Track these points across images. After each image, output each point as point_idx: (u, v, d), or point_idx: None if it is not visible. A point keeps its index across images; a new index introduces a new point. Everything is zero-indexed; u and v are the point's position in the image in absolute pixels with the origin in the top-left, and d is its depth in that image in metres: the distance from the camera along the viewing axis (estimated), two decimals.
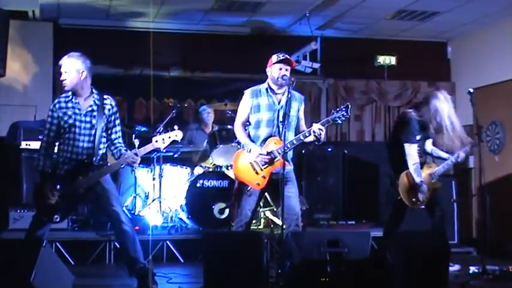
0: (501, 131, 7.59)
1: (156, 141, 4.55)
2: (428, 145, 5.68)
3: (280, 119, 4.77)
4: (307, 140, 4.77)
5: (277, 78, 4.78)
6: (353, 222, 7.59)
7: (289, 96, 4.72)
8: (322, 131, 4.68)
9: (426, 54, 8.87)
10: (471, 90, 5.58)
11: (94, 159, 4.49)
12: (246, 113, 4.90)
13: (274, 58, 4.86)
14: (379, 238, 5.89)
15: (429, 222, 5.57)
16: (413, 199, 5.38)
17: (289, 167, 4.82)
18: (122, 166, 4.74)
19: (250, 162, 4.76)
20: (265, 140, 4.81)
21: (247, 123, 4.94)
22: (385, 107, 8.84)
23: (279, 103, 4.83)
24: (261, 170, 4.74)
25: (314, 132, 4.66)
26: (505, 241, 6.71)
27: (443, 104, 5.43)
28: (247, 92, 4.93)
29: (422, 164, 5.48)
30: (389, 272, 4.42)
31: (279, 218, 6.26)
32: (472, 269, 5.47)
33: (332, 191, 7.73)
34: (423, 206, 5.48)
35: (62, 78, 4.53)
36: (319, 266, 4.27)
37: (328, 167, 7.75)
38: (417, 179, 5.35)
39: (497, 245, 6.35)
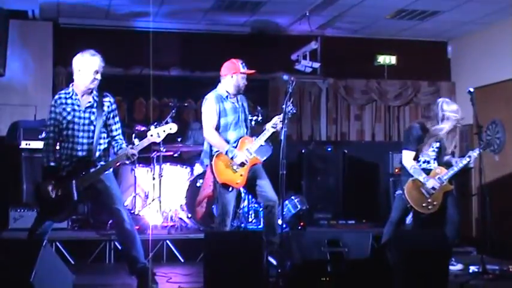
0: (501, 130, 7.59)
1: (151, 135, 4.54)
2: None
3: (241, 119, 5.21)
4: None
5: (241, 86, 5.18)
6: (353, 222, 7.59)
7: (241, 98, 5.24)
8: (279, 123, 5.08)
9: (426, 54, 8.87)
10: (471, 90, 5.56)
11: (94, 155, 4.49)
12: (215, 118, 5.14)
13: (240, 67, 5.17)
14: (379, 237, 5.88)
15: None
16: (424, 204, 5.36)
17: (259, 163, 5.22)
18: (119, 163, 4.71)
19: (230, 164, 5.05)
20: (236, 141, 5.14)
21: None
22: (385, 107, 8.84)
23: (238, 106, 5.21)
24: (240, 169, 5.08)
25: (276, 125, 5.09)
26: (505, 241, 6.71)
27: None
28: (212, 98, 5.17)
29: (429, 170, 5.47)
30: (389, 271, 4.41)
31: (278, 218, 6.28)
32: (472, 268, 5.46)
33: (332, 190, 7.72)
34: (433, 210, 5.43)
35: (98, 78, 4.50)
36: (320, 265, 4.27)
37: (328, 166, 7.75)
38: (420, 178, 5.34)
39: (497, 244, 6.34)
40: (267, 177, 5.23)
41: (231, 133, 5.17)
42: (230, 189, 5.10)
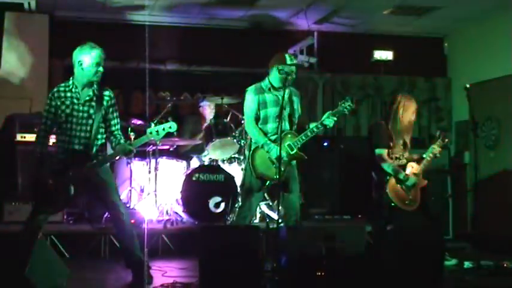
0: (497, 126, 7.60)
1: (151, 132, 4.52)
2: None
3: (285, 114, 4.95)
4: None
5: (287, 79, 4.92)
6: (349, 217, 7.60)
7: (289, 91, 4.95)
8: (333, 121, 4.93)
9: (423, 50, 8.88)
10: (467, 86, 5.58)
11: (91, 150, 4.47)
12: (255, 110, 5.00)
13: (286, 59, 4.96)
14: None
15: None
16: (406, 202, 5.38)
17: (304, 158, 4.96)
18: (118, 158, 4.72)
19: (269, 157, 4.88)
20: (273, 134, 4.93)
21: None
22: (382, 102, 8.84)
23: (281, 99, 4.93)
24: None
25: (325, 123, 4.90)
26: (499, 236, 6.73)
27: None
28: (251, 90, 5.04)
29: (402, 167, 5.48)
30: (384, 266, 4.43)
31: (274, 212, 6.28)
32: (467, 264, 5.48)
33: (328, 185, 7.73)
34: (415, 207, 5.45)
35: (101, 70, 4.51)
36: (315, 260, 4.28)
37: (324, 161, 7.75)
38: (400, 176, 5.35)
39: (491, 240, 6.37)
40: (298, 184, 5.00)
41: (270, 125, 4.97)
42: (267, 184, 4.94)
